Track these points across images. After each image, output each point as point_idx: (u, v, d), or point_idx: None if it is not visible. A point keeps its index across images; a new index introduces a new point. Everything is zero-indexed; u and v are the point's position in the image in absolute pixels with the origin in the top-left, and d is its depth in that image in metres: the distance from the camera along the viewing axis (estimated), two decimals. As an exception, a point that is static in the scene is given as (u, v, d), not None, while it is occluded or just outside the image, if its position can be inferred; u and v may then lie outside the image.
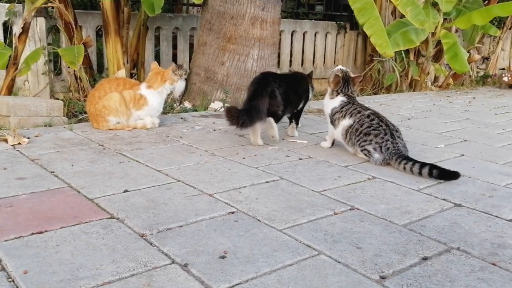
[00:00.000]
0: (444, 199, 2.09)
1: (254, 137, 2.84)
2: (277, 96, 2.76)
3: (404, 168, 2.41)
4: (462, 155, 2.84)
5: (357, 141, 2.58)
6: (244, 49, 4.34)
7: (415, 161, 2.40)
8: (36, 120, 3.28)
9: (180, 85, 4.54)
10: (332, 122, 2.75)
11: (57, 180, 2.12)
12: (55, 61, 4.68)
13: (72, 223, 1.68)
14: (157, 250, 1.52)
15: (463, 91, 6.08)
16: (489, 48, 8.21)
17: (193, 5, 7.39)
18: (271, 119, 2.78)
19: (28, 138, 2.73)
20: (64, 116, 3.43)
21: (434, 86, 6.32)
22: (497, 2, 6.17)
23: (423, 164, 2.36)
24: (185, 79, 4.55)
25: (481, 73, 7.55)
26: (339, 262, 1.50)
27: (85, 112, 3.27)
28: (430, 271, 1.48)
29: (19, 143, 2.62)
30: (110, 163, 2.38)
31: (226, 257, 1.50)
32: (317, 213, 1.87)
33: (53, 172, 2.21)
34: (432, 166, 2.34)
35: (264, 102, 2.68)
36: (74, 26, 4.32)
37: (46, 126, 3.17)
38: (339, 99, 2.72)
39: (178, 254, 1.50)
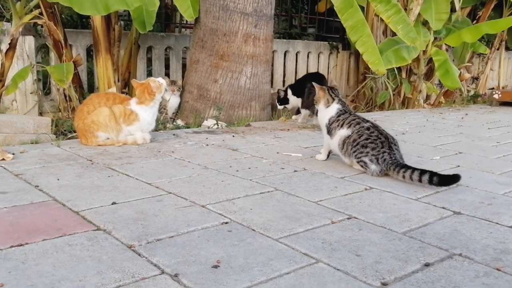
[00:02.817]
0: (443, 207, 2.03)
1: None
2: None
3: (404, 176, 2.35)
4: (458, 166, 2.80)
5: (354, 152, 2.52)
6: (237, 66, 4.33)
7: (414, 169, 2.34)
8: (23, 137, 3.20)
9: (173, 102, 4.54)
10: (329, 132, 2.69)
11: (41, 193, 2.03)
12: (44, 81, 4.64)
13: (55, 236, 1.59)
14: (145, 261, 1.44)
15: (455, 108, 6.10)
16: (478, 68, 8.32)
17: (186, 26, 7.47)
18: None
19: (13, 154, 2.64)
20: (52, 133, 3.36)
21: (426, 104, 6.35)
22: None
23: (422, 171, 2.30)
24: (179, 95, 4.57)
25: (472, 92, 7.62)
26: (338, 269, 1.43)
27: (75, 131, 3.20)
28: (433, 277, 1.41)
29: (3, 159, 2.53)
30: (98, 177, 2.30)
31: (219, 266, 1.41)
32: (314, 222, 1.80)
33: (38, 186, 2.12)
34: (432, 174, 2.28)
35: None
36: (64, 45, 4.30)
37: (33, 143, 3.09)
38: (335, 107, 2.67)
39: (168, 264, 1.42)
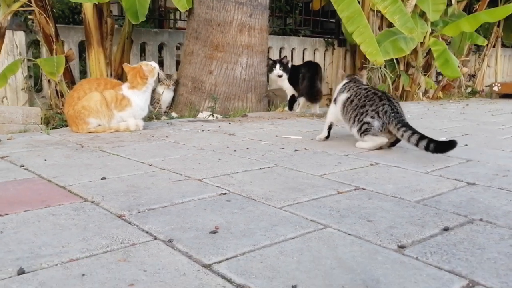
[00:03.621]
0: (455, 179, 1.90)
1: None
2: None
3: (402, 136, 2.28)
4: (466, 145, 2.68)
5: (355, 116, 2.45)
6: (232, 57, 4.22)
7: (414, 131, 2.25)
8: (11, 127, 3.06)
9: (167, 96, 4.42)
10: (335, 100, 2.67)
11: (26, 172, 1.89)
12: (36, 77, 4.51)
13: (38, 207, 1.45)
14: (136, 228, 1.30)
15: (455, 100, 6.02)
16: (475, 65, 8.27)
17: (179, 29, 7.36)
18: None
19: (0, 140, 2.51)
20: (42, 124, 3.22)
21: (425, 97, 6.26)
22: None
23: (422, 137, 2.21)
24: (173, 90, 4.45)
25: (469, 89, 7.55)
26: (349, 234, 1.29)
27: (66, 125, 3.05)
28: (455, 239, 1.28)
29: (-12, 144, 2.40)
30: (88, 157, 2.16)
31: (217, 232, 1.28)
32: (319, 192, 1.67)
33: (23, 166, 1.98)
34: (430, 140, 2.19)
35: None
36: (55, 39, 4.18)
37: (21, 133, 2.95)
38: (344, 81, 2.73)
39: (162, 231, 1.28)
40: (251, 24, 4.23)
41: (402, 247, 1.23)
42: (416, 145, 2.22)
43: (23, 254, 1.12)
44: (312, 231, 1.31)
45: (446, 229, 1.35)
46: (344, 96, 2.57)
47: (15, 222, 1.32)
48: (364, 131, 2.42)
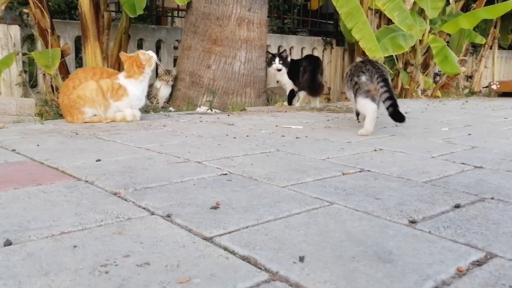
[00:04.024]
0: (462, 163, 1.85)
1: None
2: None
3: (379, 90, 2.45)
4: (470, 134, 2.63)
5: (349, 83, 2.65)
6: (231, 51, 4.16)
7: (388, 90, 2.43)
8: (4, 118, 2.98)
9: (164, 91, 4.35)
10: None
11: (18, 155, 1.81)
12: (31, 74, 4.43)
13: (29, 185, 1.38)
14: (132, 205, 1.23)
15: (454, 98, 5.98)
16: (472, 67, 8.26)
17: (177, 10, 7.30)
18: None
19: (-8, 128, 2.43)
20: (36, 116, 3.14)
21: (424, 95, 6.23)
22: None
23: (390, 97, 2.41)
24: (171, 85, 4.38)
25: (466, 90, 7.53)
26: (357, 210, 1.23)
27: (61, 115, 2.98)
28: (467, 215, 1.22)
29: (-20, 132, 2.32)
30: (82, 143, 2.09)
31: (219, 207, 1.21)
32: (323, 173, 1.61)
33: (14, 150, 1.90)
34: (393, 105, 2.40)
35: None
36: (51, 33, 4.11)
37: (15, 123, 2.87)
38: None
39: (159, 207, 1.21)
40: (250, 18, 4.18)
41: (413, 222, 1.16)
42: (384, 102, 2.45)
43: (11, 228, 1.04)
44: (318, 208, 1.24)
45: (457, 206, 1.29)
46: (347, 71, 2.80)
47: (3, 198, 1.25)
48: (356, 90, 2.58)
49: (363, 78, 2.53)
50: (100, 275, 0.84)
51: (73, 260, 0.89)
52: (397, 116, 2.41)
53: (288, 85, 4.28)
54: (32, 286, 0.79)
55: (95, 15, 4.18)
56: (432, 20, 5.59)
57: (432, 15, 5.41)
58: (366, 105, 2.52)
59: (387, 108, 2.42)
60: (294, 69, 4.21)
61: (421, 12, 5.65)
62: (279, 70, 4.21)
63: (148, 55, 2.83)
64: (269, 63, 4.27)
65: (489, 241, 1.05)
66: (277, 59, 4.20)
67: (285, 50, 4.44)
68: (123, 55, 2.89)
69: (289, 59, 4.28)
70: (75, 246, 0.96)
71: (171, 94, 4.36)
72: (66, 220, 1.10)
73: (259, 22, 4.25)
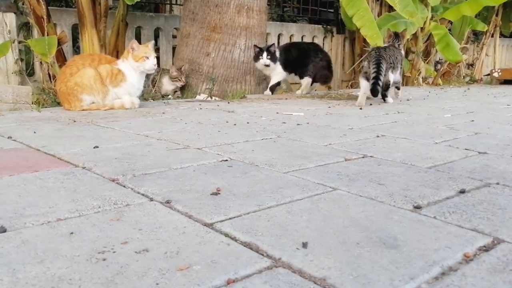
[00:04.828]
0: (466, 149, 1.82)
1: None
2: None
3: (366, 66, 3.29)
4: (473, 120, 2.60)
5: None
6: (230, 39, 4.11)
7: (376, 71, 3.12)
8: (1, 106, 2.94)
9: (168, 86, 4.21)
10: None
11: (14, 142, 1.78)
12: (28, 63, 4.38)
13: (25, 172, 1.35)
14: (131, 191, 1.20)
15: (455, 86, 5.93)
16: (473, 55, 8.18)
17: None
18: None
19: (-12, 116, 2.40)
20: (32, 104, 3.10)
21: (425, 83, 6.18)
22: None
23: (375, 77, 3.12)
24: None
25: (467, 79, 7.47)
26: (360, 196, 1.20)
27: (59, 103, 2.93)
28: (473, 201, 1.19)
29: (-24, 120, 2.28)
30: (80, 130, 2.05)
31: (219, 194, 1.18)
32: (326, 159, 1.58)
33: (11, 137, 1.87)
34: (374, 83, 3.11)
35: None
36: (47, 21, 4.05)
37: (11, 111, 2.83)
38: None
39: (158, 193, 1.18)
40: (250, 5, 4.12)
41: (418, 207, 1.14)
42: (371, 80, 3.15)
43: (5, 214, 1.02)
44: (321, 193, 1.21)
45: (462, 192, 1.27)
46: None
47: (-1, 185, 1.22)
48: (362, 73, 3.37)
49: (365, 63, 3.32)
50: (97, 262, 0.81)
51: (69, 247, 0.87)
52: (372, 91, 3.14)
53: (280, 75, 4.03)
54: (27, 274, 0.76)
55: (92, 3, 4.11)
56: (433, 7, 5.51)
57: (434, 2, 5.32)
58: (361, 83, 3.33)
59: (371, 85, 3.15)
60: (292, 56, 4.07)
61: (423, -2, 5.58)
62: (267, 65, 3.89)
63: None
64: (256, 57, 3.92)
65: (496, 227, 1.02)
66: (265, 54, 3.85)
67: (273, 44, 4.09)
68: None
69: (277, 54, 3.98)
70: (72, 233, 0.93)
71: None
72: (62, 206, 1.08)
73: (258, 9, 4.19)
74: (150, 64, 2.73)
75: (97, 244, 0.88)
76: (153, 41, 2.88)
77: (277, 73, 4.02)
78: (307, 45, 4.40)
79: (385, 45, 3.62)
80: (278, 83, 4.12)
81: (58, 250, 0.85)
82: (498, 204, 1.17)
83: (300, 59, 4.04)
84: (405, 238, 0.94)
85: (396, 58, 3.41)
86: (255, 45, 4.01)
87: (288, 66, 4.05)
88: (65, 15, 4.58)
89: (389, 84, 3.36)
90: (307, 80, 4.05)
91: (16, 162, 1.45)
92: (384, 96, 3.37)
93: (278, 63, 3.97)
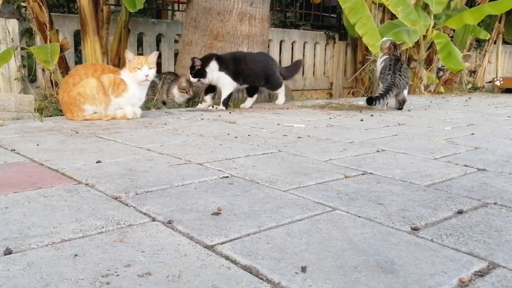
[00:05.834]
0: (465, 165, 1.84)
1: None
2: None
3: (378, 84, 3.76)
4: (473, 134, 2.62)
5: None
6: (233, 47, 4.13)
7: (385, 88, 3.57)
8: (3, 115, 2.97)
9: (179, 98, 4.14)
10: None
11: (17, 155, 1.81)
12: (30, 68, 4.41)
13: (28, 189, 1.37)
14: (133, 210, 1.22)
15: (457, 95, 5.95)
16: (476, 62, 8.20)
17: (178, 3, 7.26)
18: None
19: (-8, 126, 2.42)
20: (35, 112, 3.13)
21: (427, 91, 6.20)
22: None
23: (383, 91, 3.58)
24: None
25: (470, 85, 7.49)
26: (359, 216, 1.22)
27: (61, 114, 2.95)
28: (470, 222, 1.21)
29: (-20, 130, 2.31)
30: (82, 143, 2.08)
31: (220, 213, 1.20)
32: (326, 177, 1.60)
33: (14, 150, 1.90)
34: (379, 97, 3.55)
35: None
36: (50, 27, 4.08)
37: (14, 120, 2.86)
38: (384, 57, 3.81)
39: (160, 212, 1.21)
40: (252, 13, 4.14)
41: (415, 229, 1.16)
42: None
43: (10, 235, 1.04)
44: (320, 213, 1.23)
45: (460, 212, 1.28)
46: (379, 63, 3.90)
47: (3, 203, 1.24)
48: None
49: (380, 84, 3.79)
50: (101, 286, 0.83)
51: (73, 270, 0.89)
52: (368, 100, 3.56)
53: (231, 86, 3.64)
54: (32, 299, 0.78)
55: (94, 9, 4.15)
56: (436, 15, 5.53)
57: (437, 10, 5.35)
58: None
59: (375, 95, 3.62)
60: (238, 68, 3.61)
61: (425, 7, 5.60)
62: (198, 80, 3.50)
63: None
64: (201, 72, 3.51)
65: (492, 250, 1.04)
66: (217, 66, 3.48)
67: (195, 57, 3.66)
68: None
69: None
70: (76, 255, 0.95)
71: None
72: (66, 226, 1.10)
73: (261, 17, 4.22)
74: (141, 75, 2.73)
75: (100, 266, 0.90)
76: (156, 52, 2.90)
77: (228, 82, 3.64)
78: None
79: (397, 56, 3.86)
80: (231, 95, 3.71)
81: (62, 273, 0.87)
82: (494, 226, 1.19)
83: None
84: (402, 262, 0.96)
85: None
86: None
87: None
88: (67, 21, 4.61)
89: (405, 100, 3.82)
90: (282, 91, 3.99)
91: (20, 178, 1.47)
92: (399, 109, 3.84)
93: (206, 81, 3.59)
